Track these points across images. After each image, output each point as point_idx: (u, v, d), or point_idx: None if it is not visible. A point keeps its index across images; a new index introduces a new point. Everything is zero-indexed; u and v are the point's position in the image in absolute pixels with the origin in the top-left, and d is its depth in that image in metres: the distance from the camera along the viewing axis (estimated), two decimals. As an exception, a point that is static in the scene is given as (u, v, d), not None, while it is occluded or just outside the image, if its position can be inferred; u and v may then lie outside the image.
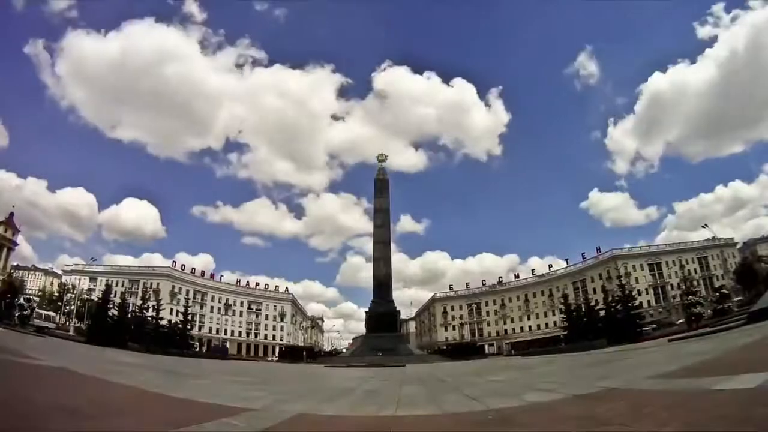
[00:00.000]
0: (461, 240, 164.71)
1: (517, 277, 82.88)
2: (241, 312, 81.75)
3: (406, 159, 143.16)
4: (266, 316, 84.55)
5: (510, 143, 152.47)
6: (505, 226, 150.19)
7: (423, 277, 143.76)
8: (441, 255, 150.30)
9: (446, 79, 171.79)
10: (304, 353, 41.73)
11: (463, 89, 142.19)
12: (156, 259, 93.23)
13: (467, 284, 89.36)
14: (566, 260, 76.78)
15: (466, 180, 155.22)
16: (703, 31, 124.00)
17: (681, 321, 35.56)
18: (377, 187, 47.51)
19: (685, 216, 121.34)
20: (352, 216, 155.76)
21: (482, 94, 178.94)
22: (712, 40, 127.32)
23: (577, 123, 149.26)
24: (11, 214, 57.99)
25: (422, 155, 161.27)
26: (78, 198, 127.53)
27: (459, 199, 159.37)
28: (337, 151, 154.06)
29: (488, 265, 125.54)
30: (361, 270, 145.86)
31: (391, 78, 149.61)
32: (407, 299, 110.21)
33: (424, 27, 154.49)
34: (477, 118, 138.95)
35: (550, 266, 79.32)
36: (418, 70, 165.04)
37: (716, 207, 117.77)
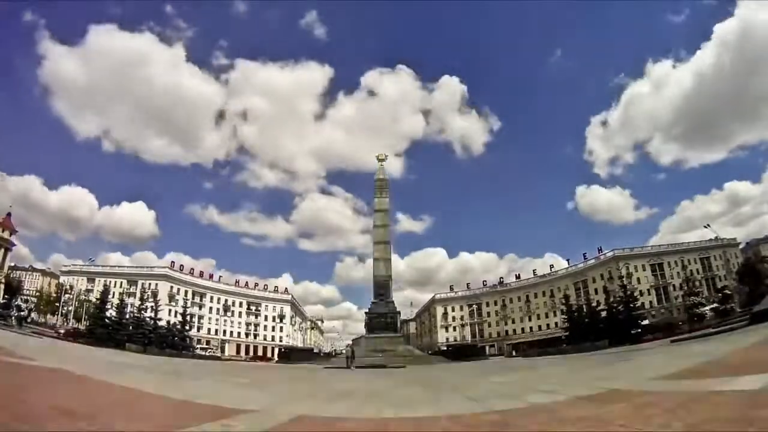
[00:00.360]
0: (454, 241, 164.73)
1: (518, 277, 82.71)
2: (240, 313, 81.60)
3: (397, 159, 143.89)
4: (265, 317, 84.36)
5: (502, 143, 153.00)
6: (498, 226, 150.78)
7: (417, 277, 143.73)
8: (434, 255, 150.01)
9: (435, 80, 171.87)
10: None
11: (452, 91, 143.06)
12: (154, 260, 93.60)
13: (468, 285, 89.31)
14: (567, 260, 76.74)
15: (458, 180, 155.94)
16: (698, 29, 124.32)
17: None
18: (377, 186, 47.42)
19: (685, 216, 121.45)
20: (351, 217, 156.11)
21: (472, 95, 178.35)
22: (706, 38, 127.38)
23: (570, 122, 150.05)
24: (8, 214, 57.80)
25: (412, 156, 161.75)
26: (75, 198, 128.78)
27: (450, 200, 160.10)
28: (329, 153, 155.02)
29: (479, 265, 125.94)
30: (359, 270, 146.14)
31: (381, 79, 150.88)
32: (400, 300, 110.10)
33: (415, 29, 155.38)
34: (468, 120, 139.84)
35: (551, 266, 79.23)
36: (407, 71, 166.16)
37: (718, 207, 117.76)
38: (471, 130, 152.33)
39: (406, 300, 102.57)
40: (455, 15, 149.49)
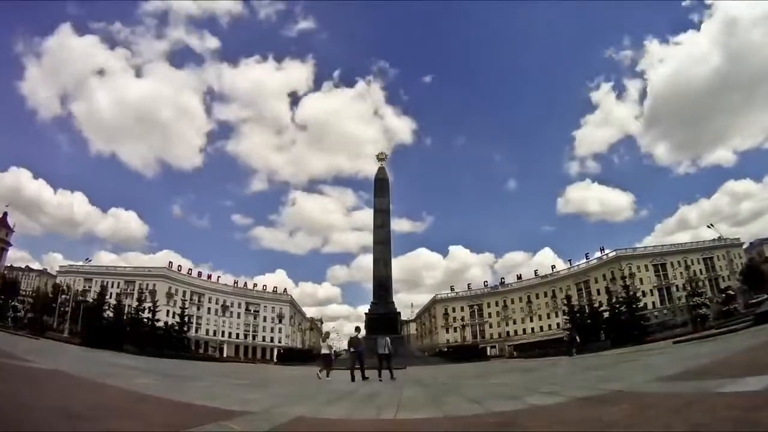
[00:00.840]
0: (442, 241, 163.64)
1: (519, 277, 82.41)
2: (238, 314, 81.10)
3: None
4: (264, 317, 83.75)
5: (489, 142, 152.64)
6: (487, 226, 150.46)
7: (406, 278, 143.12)
8: (421, 257, 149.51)
9: (420, 81, 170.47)
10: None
11: (435, 91, 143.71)
12: (151, 262, 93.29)
13: (468, 285, 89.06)
14: (569, 261, 76.50)
15: (444, 180, 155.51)
16: (692, 26, 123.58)
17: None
18: (377, 186, 47.23)
19: (686, 215, 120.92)
20: (347, 217, 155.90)
21: (457, 95, 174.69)
22: (697, 27, 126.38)
23: (560, 119, 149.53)
24: (5, 214, 57.47)
25: (398, 157, 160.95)
26: (72, 200, 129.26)
27: (438, 200, 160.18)
28: (318, 153, 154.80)
29: (466, 265, 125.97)
30: (355, 271, 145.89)
31: (366, 80, 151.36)
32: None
33: (400, 29, 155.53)
34: (452, 119, 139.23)
35: (553, 267, 79.03)
36: (391, 71, 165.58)
37: (719, 206, 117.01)
38: (456, 130, 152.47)
39: (397, 301, 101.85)
40: (438, 16, 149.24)
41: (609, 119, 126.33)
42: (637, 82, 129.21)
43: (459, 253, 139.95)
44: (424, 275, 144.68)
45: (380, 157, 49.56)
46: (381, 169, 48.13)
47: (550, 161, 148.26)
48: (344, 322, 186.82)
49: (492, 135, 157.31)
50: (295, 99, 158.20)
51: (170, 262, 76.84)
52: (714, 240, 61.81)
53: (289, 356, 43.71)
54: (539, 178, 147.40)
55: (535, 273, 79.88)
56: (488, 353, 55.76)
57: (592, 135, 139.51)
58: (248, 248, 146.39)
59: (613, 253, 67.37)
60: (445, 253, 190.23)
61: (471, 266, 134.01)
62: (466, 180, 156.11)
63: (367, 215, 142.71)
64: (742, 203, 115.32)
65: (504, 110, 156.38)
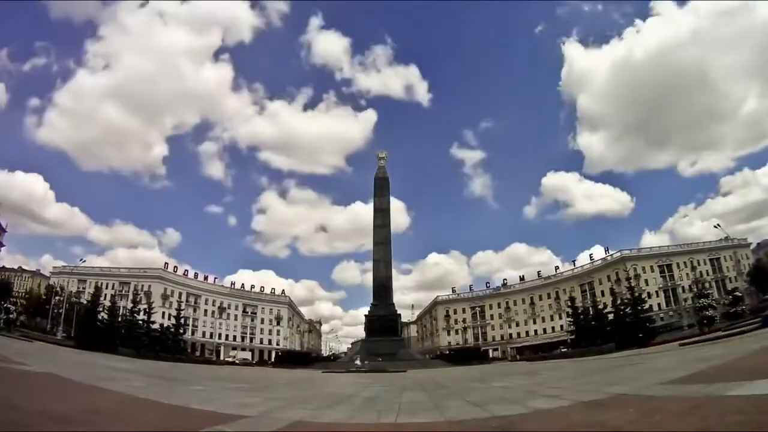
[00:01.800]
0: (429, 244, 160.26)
1: (522, 279, 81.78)
2: (235, 315, 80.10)
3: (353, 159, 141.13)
4: (262, 319, 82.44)
5: (492, 139, 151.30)
6: (488, 226, 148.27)
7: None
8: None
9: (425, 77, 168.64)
10: None
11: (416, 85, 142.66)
12: (148, 261, 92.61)
13: (470, 286, 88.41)
14: (573, 261, 75.87)
15: (428, 180, 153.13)
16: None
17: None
18: (377, 185, 47.05)
19: (693, 215, 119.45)
20: (356, 218, 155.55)
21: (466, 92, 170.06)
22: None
23: (552, 115, 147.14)
24: None
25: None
26: (66, 208, 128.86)
27: (422, 201, 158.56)
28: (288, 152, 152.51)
29: (449, 267, 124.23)
30: (359, 272, 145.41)
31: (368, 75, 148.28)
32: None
33: (402, 22, 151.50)
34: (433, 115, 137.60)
35: (556, 268, 78.41)
36: (394, 68, 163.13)
37: (727, 206, 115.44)
38: (428, 129, 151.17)
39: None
40: (411, 14, 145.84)
41: (593, 114, 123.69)
42: (618, 74, 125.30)
43: (434, 256, 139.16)
44: (403, 278, 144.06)
45: (380, 156, 49.37)
46: (381, 169, 47.87)
47: (526, 159, 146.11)
48: (343, 324, 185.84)
49: (465, 134, 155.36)
50: (259, 106, 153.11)
51: (166, 263, 75.08)
52: (721, 240, 60.99)
53: (288, 358, 43.31)
54: (517, 178, 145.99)
55: (538, 274, 79.40)
56: (490, 356, 55.32)
57: (576, 132, 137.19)
58: (233, 250, 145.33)
59: (618, 254, 66.71)
60: (422, 256, 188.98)
61: (448, 268, 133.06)
62: (437, 181, 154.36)
63: (345, 216, 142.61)
64: (748, 203, 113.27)
65: (495, 103, 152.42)
